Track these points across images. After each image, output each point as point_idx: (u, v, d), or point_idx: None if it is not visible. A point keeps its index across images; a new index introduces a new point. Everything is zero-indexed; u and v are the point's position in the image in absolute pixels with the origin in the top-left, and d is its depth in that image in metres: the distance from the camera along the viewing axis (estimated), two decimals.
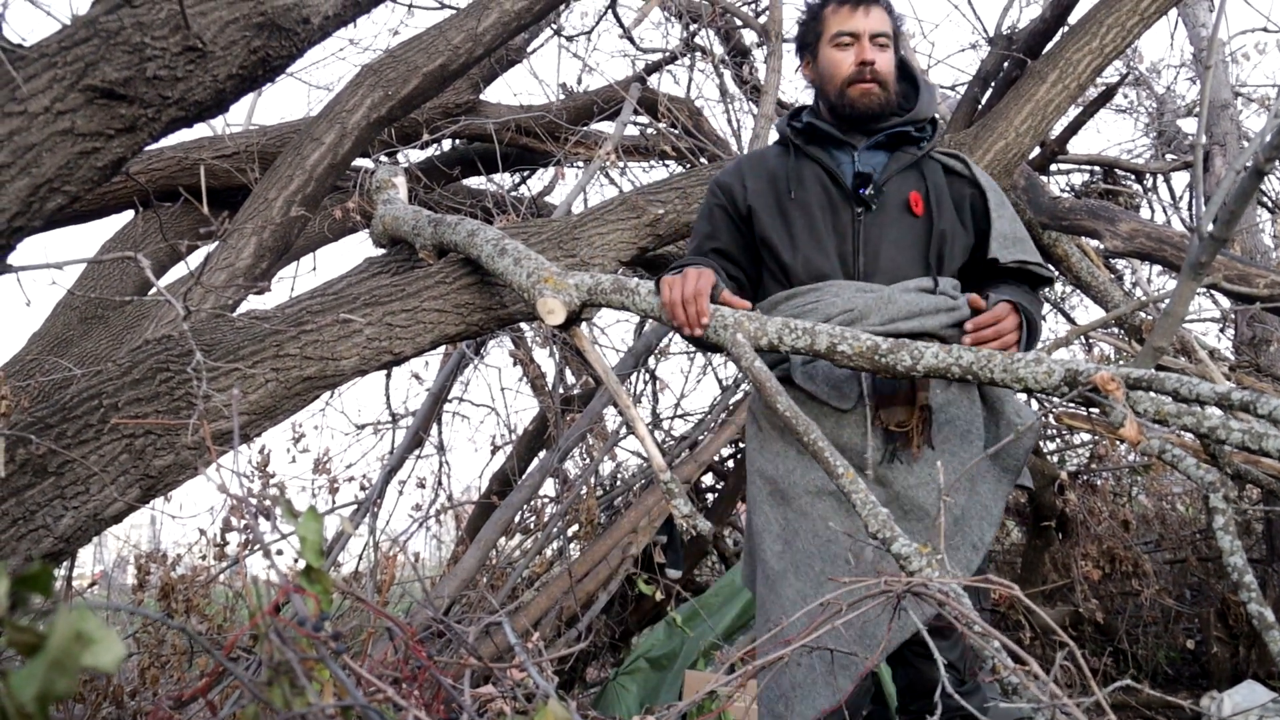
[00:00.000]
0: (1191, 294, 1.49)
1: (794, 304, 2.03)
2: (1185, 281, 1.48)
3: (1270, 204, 5.70)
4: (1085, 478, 4.84)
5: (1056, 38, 3.54)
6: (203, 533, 3.89)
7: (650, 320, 4.49)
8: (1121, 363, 3.33)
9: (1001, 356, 1.63)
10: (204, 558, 3.98)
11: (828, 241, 2.04)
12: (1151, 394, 1.42)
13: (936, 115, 2.19)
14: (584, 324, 1.98)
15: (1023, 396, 2.23)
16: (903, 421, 1.93)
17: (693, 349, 5.39)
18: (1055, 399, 1.58)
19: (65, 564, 2.82)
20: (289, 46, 1.93)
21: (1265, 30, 5.80)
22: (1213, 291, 4.08)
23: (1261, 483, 1.72)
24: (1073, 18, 3.56)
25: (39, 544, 1.82)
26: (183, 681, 3.03)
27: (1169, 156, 5.98)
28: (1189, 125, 6.21)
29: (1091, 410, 1.60)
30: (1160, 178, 5.65)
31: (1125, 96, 6.28)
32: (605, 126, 5.00)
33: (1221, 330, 5.16)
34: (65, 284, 3.50)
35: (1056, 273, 2.07)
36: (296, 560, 0.77)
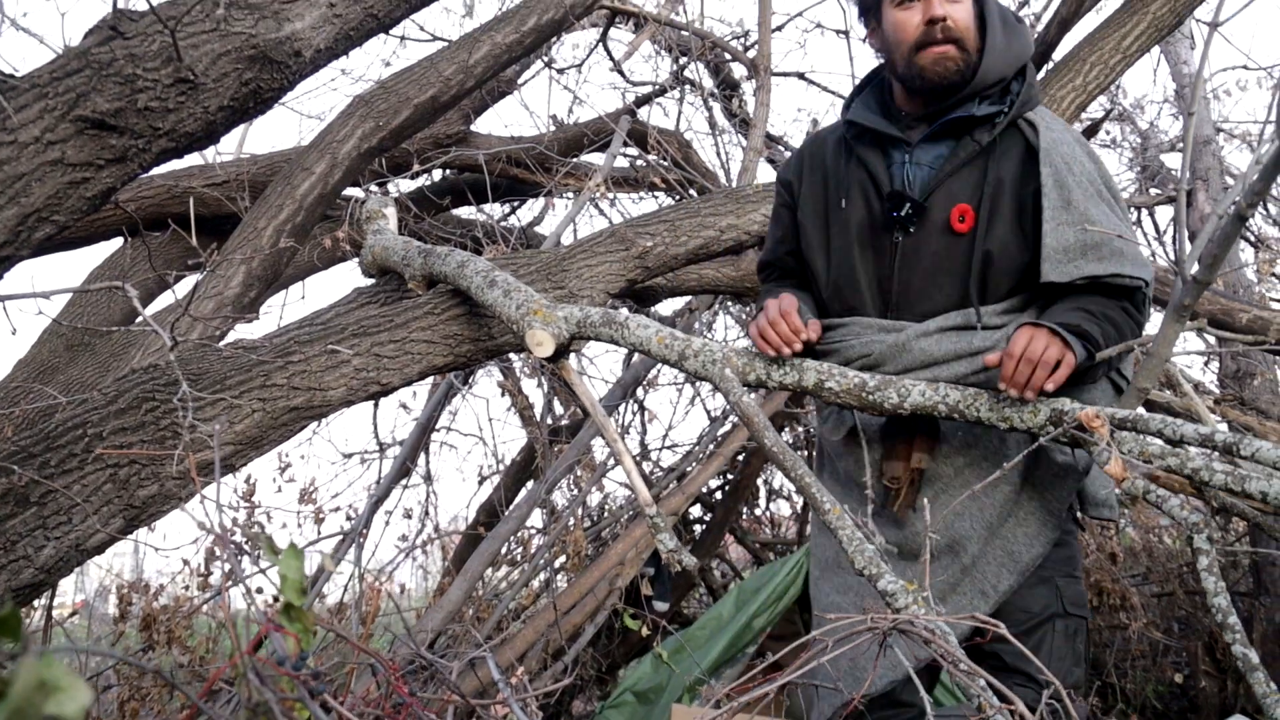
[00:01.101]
0: (1176, 336, 1.50)
1: (824, 339, 1.88)
2: (1169, 324, 1.49)
3: (1253, 238, 5.76)
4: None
5: (1041, 74, 3.59)
6: (186, 563, 3.86)
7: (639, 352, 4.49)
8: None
9: (988, 395, 1.62)
10: (187, 588, 3.95)
11: (862, 268, 1.84)
12: (1136, 434, 1.43)
13: (1027, 62, 1.81)
14: (572, 355, 1.98)
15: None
16: (896, 478, 1.80)
17: (682, 379, 5.40)
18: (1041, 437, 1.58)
19: (45, 593, 2.79)
20: (280, 79, 1.94)
21: (1245, 68, 5.90)
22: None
23: (1247, 515, 1.73)
24: (1057, 54, 3.62)
25: (19, 575, 1.80)
26: (162, 715, 2.99)
27: (1153, 191, 6.04)
28: (1172, 160, 6.29)
29: (1077, 449, 1.61)
30: (1145, 212, 5.70)
31: (1109, 132, 6.35)
32: (595, 158, 5.03)
33: (1206, 364, 5.19)
34: (52, 313, 3.49)
35: (1144, 277, 1.68)
36: (277, 599, 0.77)
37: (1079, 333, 1.59)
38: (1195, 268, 1.44)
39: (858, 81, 2.02)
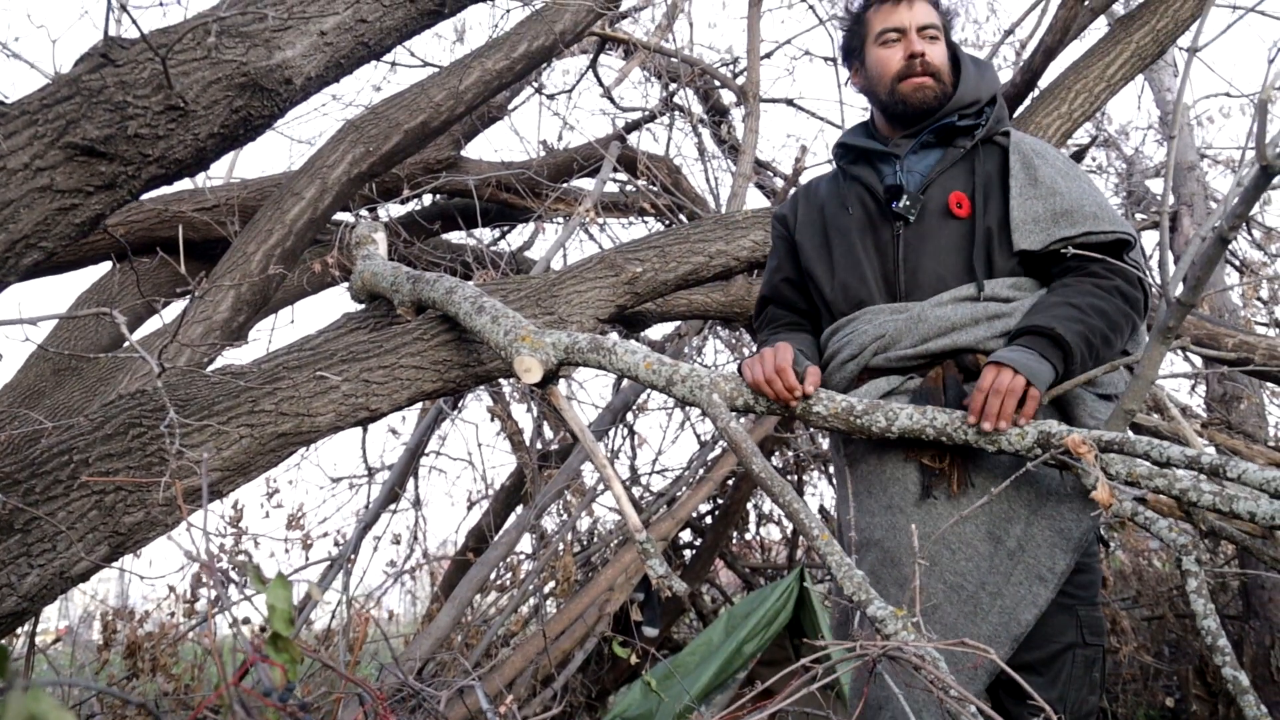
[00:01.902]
0: (1160, 357, 1.51)
1: (835, 339, 1.95)
2: (1154, 345, 1.50)
3: (1239, 264, 5.81)
4: None
5: (1026, 102, 3.62)
6: (172, 589, 3.83)
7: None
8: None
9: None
10: (172, 614, 3.91)
11: (866, 265, 1.94)
12: (1124, 456, 1.43)
13: (997, 92, 2.01)
14: (561, 381, 1.98)
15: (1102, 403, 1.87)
16: (935, 455, 1.78)
17: (672, 404, 5.40)
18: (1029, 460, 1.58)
19: (29, 621, 2.76)
20: (271, 106, 1.95)
21: (1229, 95, 5.97)
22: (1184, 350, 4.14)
23: (1237, 539, 1.74)
24: (1043, 82, 3.65)
25: (2, 603, 1.78)
26: None
27: (1139, 216, 6.10)
28: (1158, 185, 6.36)
29: (1064, 471, 1.61)
30: None
31: (1094, 159, 6.42)
32: (585, 183, 5.05)
33: (1193, 388, 5.22)
34: (38, 338, 3.47)
35: (1123, 231, 1.78)
36: (263, 628, 0.76)
37: (1053, 337, 1.66)
38: (1179, 290, 1.46)
39: (845, 128, 2.23)
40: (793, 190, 2.32)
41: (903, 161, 1.97)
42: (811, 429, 4.58)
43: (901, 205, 1.90)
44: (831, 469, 5.28)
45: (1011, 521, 1.75)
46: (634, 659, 3.29)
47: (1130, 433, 1.64)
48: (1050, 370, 1.65)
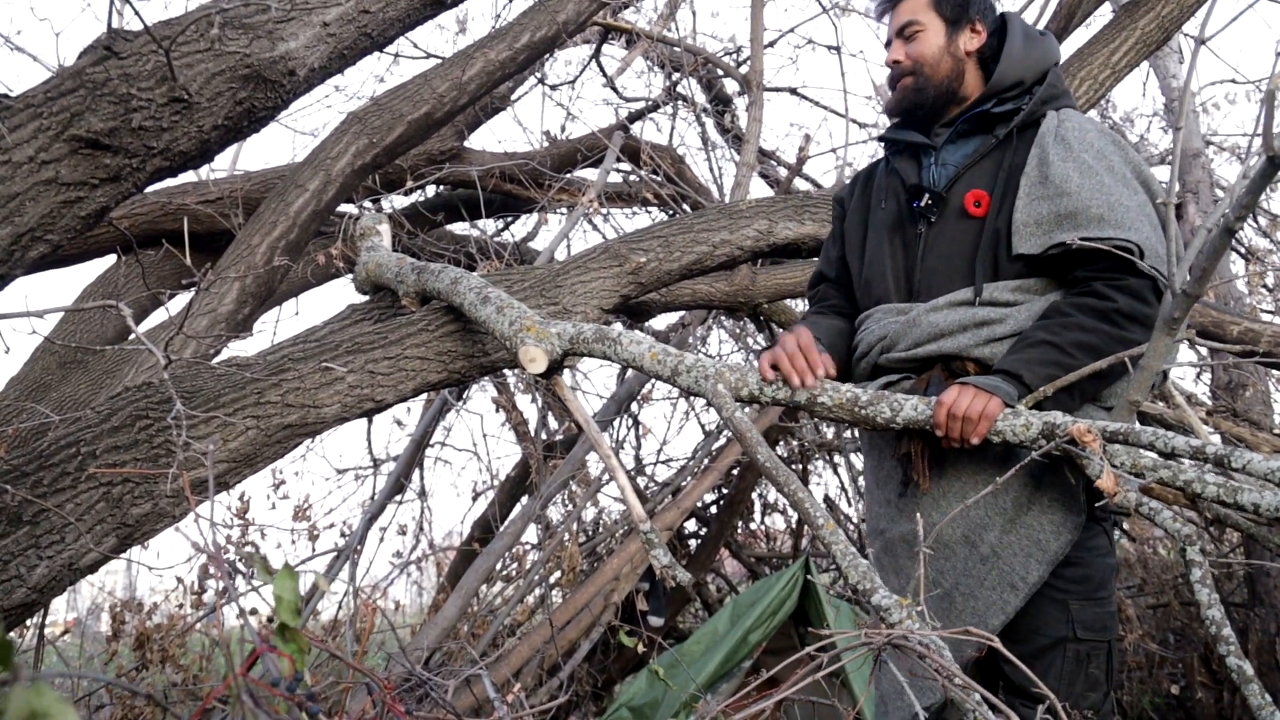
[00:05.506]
0: (1165, 349, 1.51)
1: (857, 334, 2.00)
2: (1159, 337, 1.50)
3: (1244, 250, 5.79)
4: None
5: None
6: (180, 581, 3.84)
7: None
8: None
9: None
10: (180, 606, 3.93)
11: (889, 262, 1.96)
12: (1129, 447, 1.43)
13: (1050, 67, 1.95)
14: (566, 372, 1.98)
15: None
16: (908, 452, 1.82)
17: (676, 394, 5.40)
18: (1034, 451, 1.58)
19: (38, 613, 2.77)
20: (274, 98, 1.95)
21: (1234, 82, 5.94)
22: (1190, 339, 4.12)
23: (1241, 527, 1.74)
24: None
25: (11, 595, 1.80)
26: None
27: None
28: (1163, 173, 6.33)
29: (1069, 466, 1.61)
30: None
31: None
32: (589, 173, 5.04)
33: (1198, 376, 5.21)
34: (45, 330, 3.48)
35: (1124, 238, 1.71)
36: (271, 619, 0.77)
37: (1017, 379, 1.67)
38: (1184, 281, 1.45)
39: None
40: (855, 174, 2.32)
41: (938, 154, 1.97)
42: (815, 419, 4.59)
43: (922, 205, 1.93)
44: (836, 458, 5.30)
45: (985, 528, 1.78)
46: (640, 648, 3.30)
47: (1136, 423, 1.64)
48: (1017, 395, 1.67)
